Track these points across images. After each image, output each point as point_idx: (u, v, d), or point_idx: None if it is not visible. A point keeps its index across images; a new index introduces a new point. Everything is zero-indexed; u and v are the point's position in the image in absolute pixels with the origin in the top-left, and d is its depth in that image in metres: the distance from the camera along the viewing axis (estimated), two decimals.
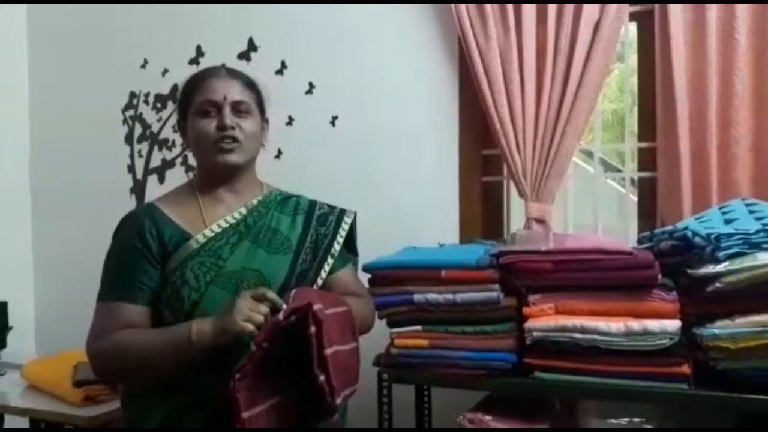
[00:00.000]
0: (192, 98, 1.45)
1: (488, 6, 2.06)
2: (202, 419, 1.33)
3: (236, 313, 1.24)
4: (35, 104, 2.98)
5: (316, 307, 1.23)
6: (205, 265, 1.38)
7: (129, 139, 2.78)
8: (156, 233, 1.40)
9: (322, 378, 1.22)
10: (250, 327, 1.23)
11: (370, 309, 1.60)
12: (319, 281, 1.49)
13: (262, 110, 1.53)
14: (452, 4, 2.11)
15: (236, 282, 1.38)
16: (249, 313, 1.24)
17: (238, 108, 1.44)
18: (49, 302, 2.95)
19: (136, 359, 1.32)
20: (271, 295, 1.28)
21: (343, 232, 1.55)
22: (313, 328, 1.22)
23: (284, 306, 1.26)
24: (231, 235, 1.44)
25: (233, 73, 1.49)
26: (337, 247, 1.53)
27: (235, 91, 1.45)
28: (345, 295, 1.47)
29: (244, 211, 1.48)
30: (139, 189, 2.76)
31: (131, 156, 2.78)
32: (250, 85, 1.50)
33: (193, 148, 1.49)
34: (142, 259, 1.38)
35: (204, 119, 1.43)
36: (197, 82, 1.46)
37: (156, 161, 2.74)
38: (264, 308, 1.25)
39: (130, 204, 2.72)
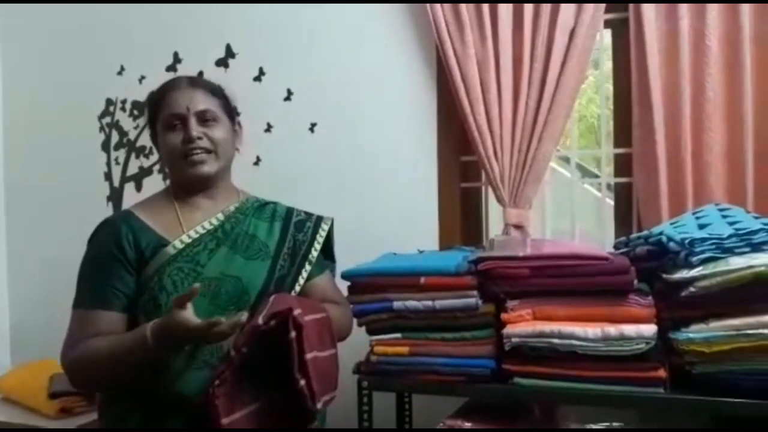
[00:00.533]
0: (158, 113, 1.46)
1: (465, 13, 2.08)
2: (181, 423, 1.33)
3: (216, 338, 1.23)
4: (9, 110, 2.94)
5: (296, 312, 1.23)
6: (183, 270, 1.38)
7: (106, 146, 2.75)
8: (132, 239, 1.39)
9: (302, 383, 1.22)
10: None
11: (348, 316, 1.61)
12: (297, 287, 1.50)
13: (231, 115, 1.52)
14: (429, 11, 2.12)
15: (214, 288, 1.38)
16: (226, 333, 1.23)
17: (203, 117, 1.44)
18: (24, 312, 2.90)
19: (103, 365, 1.31)
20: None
21: (320, 239, 1.56)
22: (293, 333, 1.23)
23: (260, 318, 1.25)
24: (209, 240, 1.44)
25: (195, 83, 1.49)
26: (314, 253, 1.54)
27: (198, 101, 1.44)
28: (323, 302, 1.48)
29: (221, 217, 1.48)
30: (116, 196, 2.73)
31: (108, 163, 2.75)
32: (214, 91, 1.50)
33: (166, 162, 1.50)
34: (117, 265, 1.38)
35: (171, 133, 1.43)
36: (160, 97, 1.47)
37: (133, 169, 2.71)
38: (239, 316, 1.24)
39: (106, 212, 2.68)
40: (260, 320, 1.23)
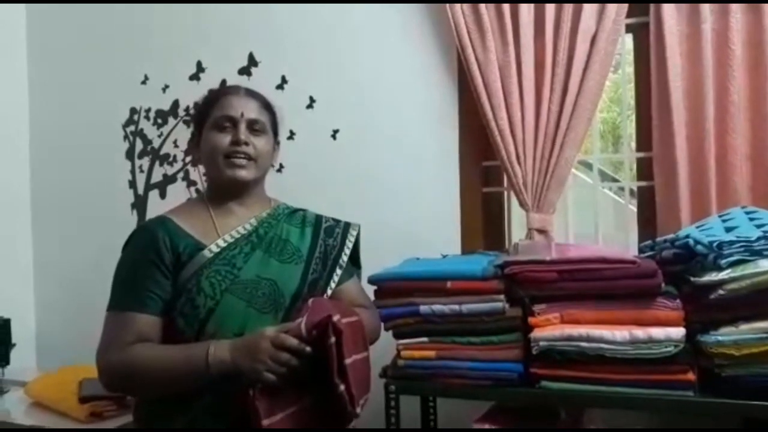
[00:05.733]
0: (209, 113, 1.50)
1: (486, 18, 2.09)
2: (225, 424, 1.34)
3: (258, 361, 1.25)
4: (36, 121, 2.99)
5: (335, 318, 1.25)
6: (220, 273, 1.41)
7: (130, 154, 2.79)
8: (170, 243, 1.42)
9: (342, 388, 1.24)
10: (272, 377, 1.25)
11: (377, 320, 1.64)
12: (329, 291, 1.53)
13: (275, 132, 1.58)
14: (451, 17, 2.14)
15: (251, 290, 1.41)
16: (271, 364, 1.25)
17: (253, 126, 1.49)
18: (51, 318, 2.94)
19: (150, 378, 1.33)
20: (290, 342, 1.27)
21: (350, 244, 1.60)
22: (333, 339, 1.24)
23: (303, 327, 1.27)
24: (244, 244, 1.47)
25: (251, 94, 1.55)
26: (344, 258, 1.58)
27: (251, 110, 1.50)
28: (352, 307, 1.49)
29: (254, 222, 1.52)
30: (140, 204, 2.77)
31: (132, 171, 2.79)
32: (267, 106, 1.56)
33: (206, 161, 1.52)
34: (154, 269, 1.40)
35: (219, 133, 1.48)
36: (216, 98, 1.52)
37: (157, 176, 2.75)
38: (285, 356, 1.26)
39: (131, 219, 2.73)
40: (303, 331, 1.25)
